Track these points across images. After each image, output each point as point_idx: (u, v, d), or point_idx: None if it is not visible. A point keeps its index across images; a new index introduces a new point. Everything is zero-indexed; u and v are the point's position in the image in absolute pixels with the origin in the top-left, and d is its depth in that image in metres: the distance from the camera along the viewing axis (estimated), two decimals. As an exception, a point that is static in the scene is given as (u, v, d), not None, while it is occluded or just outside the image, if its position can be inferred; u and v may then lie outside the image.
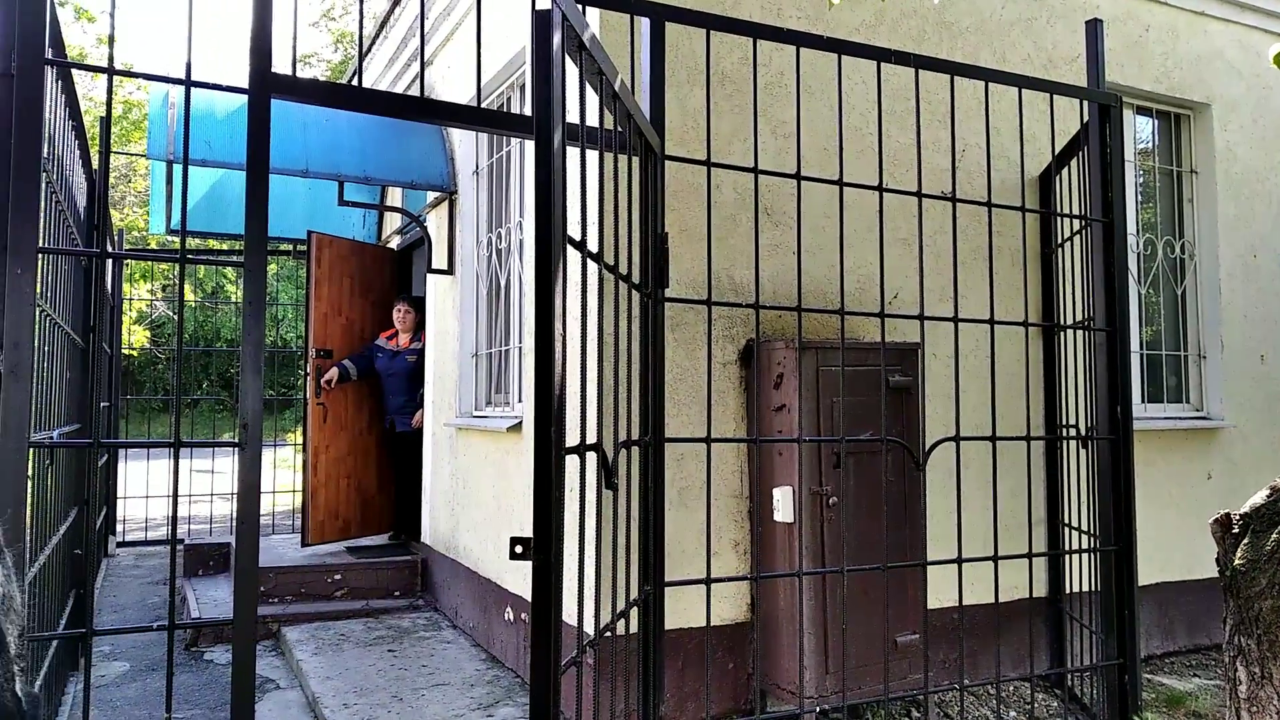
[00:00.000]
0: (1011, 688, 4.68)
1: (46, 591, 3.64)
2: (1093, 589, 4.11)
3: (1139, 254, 5.62)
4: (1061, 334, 4.75)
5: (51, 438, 3.61)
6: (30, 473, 2.27)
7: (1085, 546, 4.36)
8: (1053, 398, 4.87)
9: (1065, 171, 4.63)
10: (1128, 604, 3.85)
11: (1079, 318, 4.42)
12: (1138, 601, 3.90)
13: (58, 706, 4.35)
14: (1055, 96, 3.86)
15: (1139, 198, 5.74)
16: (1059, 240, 4.82)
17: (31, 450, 2.25)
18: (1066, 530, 4.72)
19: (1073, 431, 4.67)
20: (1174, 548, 5.28)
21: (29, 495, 2.33)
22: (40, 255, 2.32)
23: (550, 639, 1.98)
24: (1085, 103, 4.00)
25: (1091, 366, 4.08)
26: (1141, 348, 5.61)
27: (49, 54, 2.33)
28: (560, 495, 2.04)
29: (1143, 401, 5.54)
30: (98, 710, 4.58)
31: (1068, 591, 4.66)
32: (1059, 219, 4.74)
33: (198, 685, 5.06)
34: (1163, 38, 5.59)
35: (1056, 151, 4.52)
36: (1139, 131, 5.82)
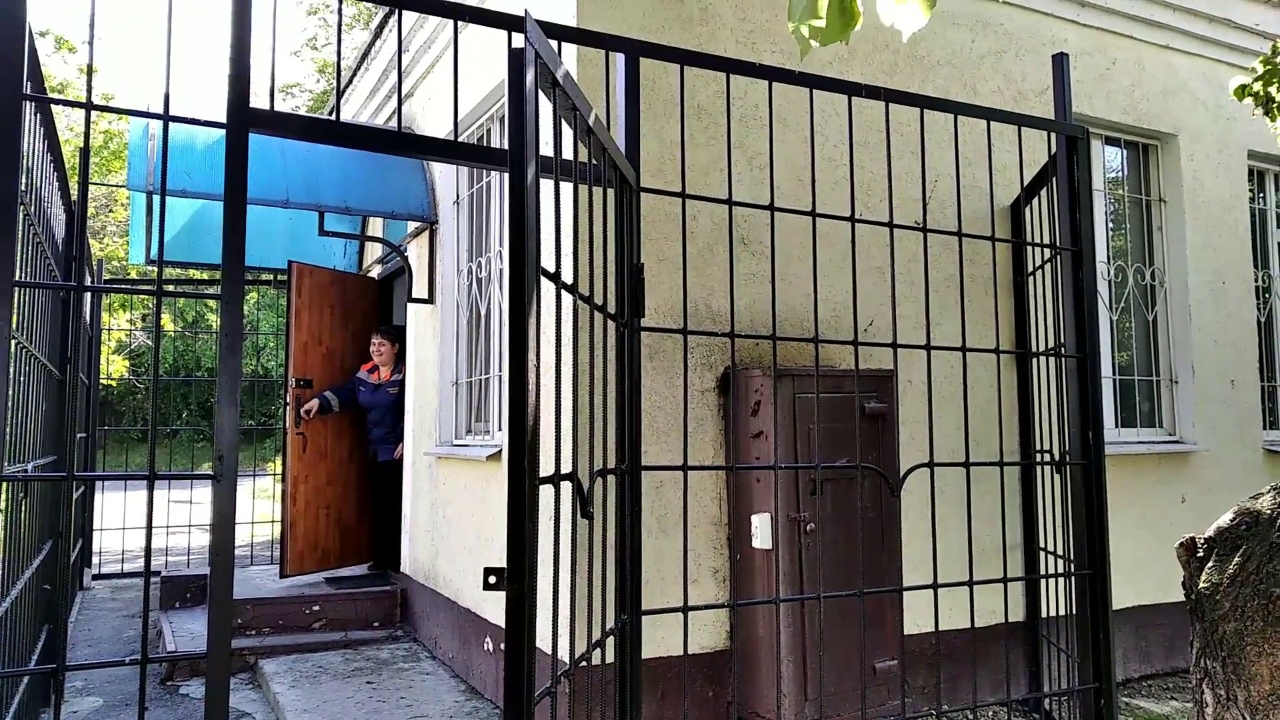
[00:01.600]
0: (990, 712, 4.70)
1: (19, 626, 3.60)
2: (1069, 613, 4.14)
3: (1110, 281, 5.71)
4: (1035, 360, 4.81)
5: (26, 470, 3.59)
6: (3, 506, 2.26)
7: (1060, 571, 4.39)
8: (1027, 423, 4.92)
9: (1035, 201, 4.72)
10: (1103, 628, 3.88)
11: (1051, 344, 4.49)
12: (1113, 625, 3.93)
13: (29, 743, 4.28)
14: (1024, 128, 3.94)
15: (1109, 225, 5.85)
16: (1030, 269, 4.90)
17: (5, 483, 2.25)
18: (1042, 555, 4.76)
19: (1047, 456, 4.72)
20: (1149, 571, 5.33)
21: (1, 529, 2.32)
22: (16, 288, 2.32)
23: (524, 668, 1.99)
24: (1053, 134, 4.08)
25: (1064, 392, 4.14)
26: (1114, 373, 5.68)
27: (27, 88, 2.35)
28: (534, 525, 2.06)
29: (1116, 426, 5.61)
30: (70, 746, 4.52)
31: (1044, 615, 4.69)
32: (1030, 247, 4.82)
33: (173, 720, 5.00)
34: (1129, 70, 5.72)
35: (1026, 182, 4.61)
36: (1108, 161, 5.93)
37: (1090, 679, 3.88)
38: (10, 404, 2.48)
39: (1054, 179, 4.10)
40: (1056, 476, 4.41)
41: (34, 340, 3.80)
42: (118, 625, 7.15)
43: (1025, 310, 4.97)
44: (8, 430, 2.39)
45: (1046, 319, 4.61)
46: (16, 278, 2.32)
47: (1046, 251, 4.52)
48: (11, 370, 2.43)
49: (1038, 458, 4.80)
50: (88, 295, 8.02)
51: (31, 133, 3.56)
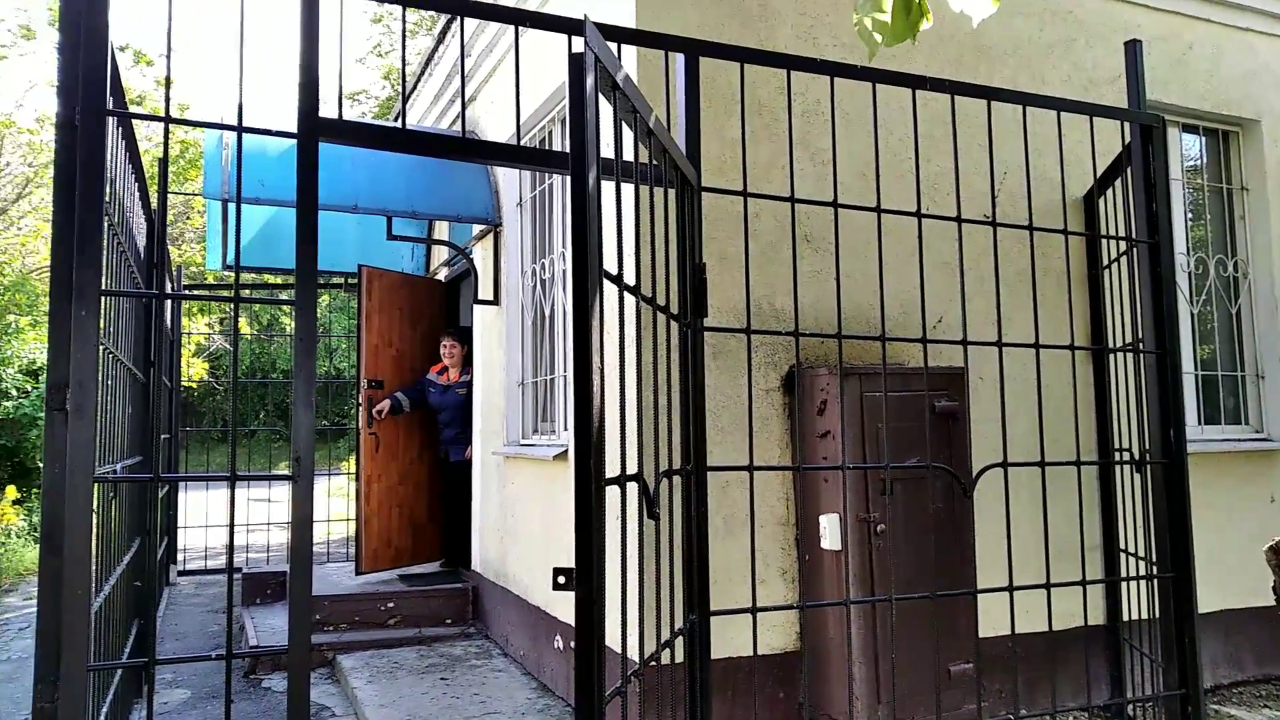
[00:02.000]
0: (1071, 718, 4.58)
1: (111, 621, 3.75)
2: (1151, 616, 4.01)
3: (1190, 273, 5.52)
4: (1112, 356, 4.68)
5: (115, 471, 3.73)
6: (95, 506, 2.36)
7: (1141, 573, 4.26)
8: (1105, 421, 4.79)
9: (1110, 192, 4.58)
10: (1188, 632, 3.75)
11: (1128, 339, 4.36)
12: (1199, 629, 3.80)
13: (120, 734, 4.46)
14: (1096, 118, 3.83)
15: (1188, 216, 5.65)
16: (1105, 262, 4.76)
17: (97, 484, 2.34)
18: (1122, 556, 4.62)
19: (1125, 455, 4.58)
20: (1237, 573, 5.13)
21: (94, 528, 2.42)
22: (102, 296, 2.42)
23: (594, 668, 2.01)
24: (1127, 123, 3.96)
25: (1143, 389, 4.02)
26: (1196, 368, 5.49)
27: (110, 104, 2.44)
28: (601, 526, 2.07)
29: (1199, 423, 5.42)
30: (158, 737, 4.69)
31: (1125, 619, 4.56)
32: (1105, 240, 4.69)
33: (256, 713, 5.16)
34: (1207, 55, 5.52)
35: (1099, 172, 4.48)
36: (1186, 149, 5.73)
37: (1176, 685, 3.76)
38: (99, 407, 2.58)
39: (1129, 169, 3.99)
40: (1136, 476, 4.28)
41: (120, 346, 3.95)
42: (202, 620, 7.40)
43: (1101, 305, 4.83)
44: (97, 433, 2.49)
45: (1123, 313, 4.48)
46: (103, 286, 2.42)
47: (1122, 244, 4.39)
48: (100, 375, 2.53)
49: (1116, 456, 4.67)
50: (169, 301, 8.30)
51: (114, 145, 3.70)
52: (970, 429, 4.17)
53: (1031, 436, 4.39)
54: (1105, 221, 4.74)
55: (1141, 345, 4.00)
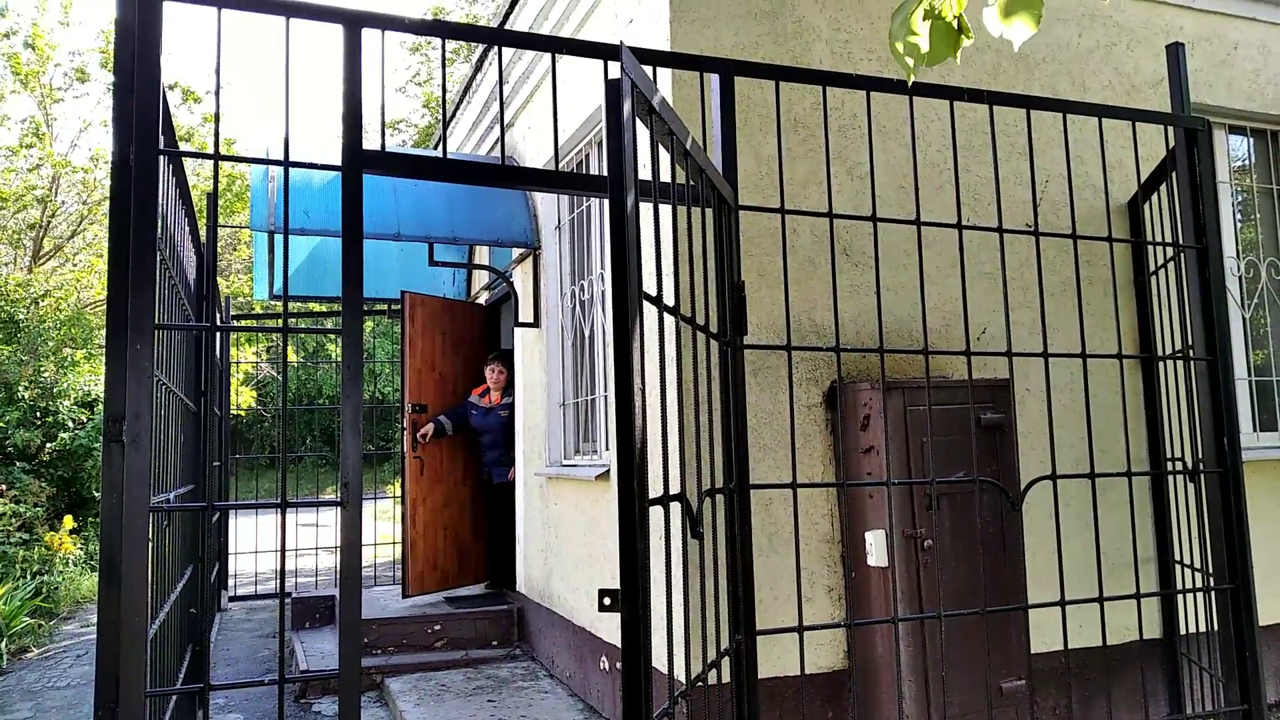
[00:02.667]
0: (1128, 735, 4.47)
1: (166, 648, 3.82)
2: (1209, 630, 3.92)
3: (1240, 277, 5.40)
4: (1161, 364, 4.59)
5: (168, 500, 3.81)
6: (149, 535, 2.42)
7: (1198, 585, 4.16)
8: (1155, 430, 4.70)
9: (1155, 197, 4.51)
10: (1249, 645, 3.66)
11: (1178, 347, 4.28)
12: (1260, 642, 3.70)
13: (177, 758, 4.53)
14: (1139, 123, 3.79)
15: (1238, 218, 5.54)
16: (1152, 268, 4.68)
17: (151, 513, 2.40)
18: (1178, 568, 4.52)
19: (1178, 465, 4.48)
20: (1300, 584, 4.98)
21: (149, 556, 2.48)
22: (156, 330, 2.48)
23: (641, 689, 2.01)
24: (1170, 128, 3.91)
25: (1194, 396, 3.94)
26: (1250, 374, 5.36)
27: (161, 143, 2.52)
28: (646, 547, 2.08)
29: (1255, 430, 5.29)
30: (214, 761, 4.76)
31: (1183, 633, 4.45)
32: (1151, 246, 4.61)
33: (307, 736, 5.21)
34: (1252, 55, 5.42)
35: (1143, 178, 4.42)
36: (1233, 150, 5.63)
37: (1237, 700, 3.66)
38: (154, 438, 2.65)
39: (1173, 174, 3.93)
40: (1190, 486, 4.19)
41: (172, 377, 4.04)
42: (253, 645, 7.50)
43: (1148, 312, 4.75)
44: (152, 462, 2.55)
45: (1172, 320, 4.40)
46: (157, 320, 2.48)
47: (1169, 250, 4.32)
48: (154, 407, 2.59)
49: (1169, 466, 4.57)
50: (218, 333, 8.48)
51: (165, 182, 3.80)
52: (1017, 441, 4.12)
53: (1080, 448, 4.32)
54: (1151, 227, 4.66)
55: (1192, 352, 3.93)
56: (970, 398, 3.35)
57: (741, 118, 4.06)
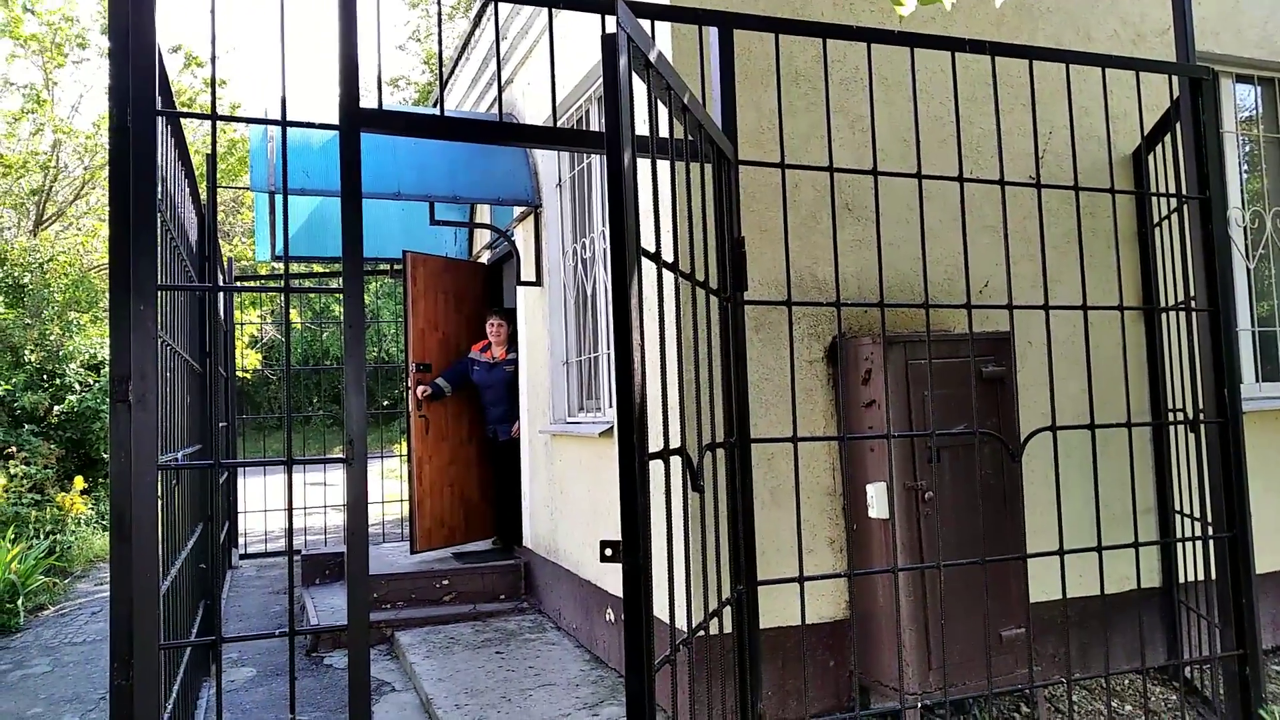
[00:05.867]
0: (1126, 681, 4.55)
1: (179, 603, 3.90)
2: (1208, 578, 3.97)
3: (1245, 228, 5.37)
4: (1163, 316, 4.59)
5: (176, 459, 3.86)
6: (159, 493, 2.46)
7: (1197, 534, 4.20)
8: (1157, 382, 4.71)
9: (1159, 148, 4.48)
10: (1245, 592, 3.71)
11: (1181, 298, 4.27)
12: (1256, 589, 3.75)
13: (192, 709, 4.63)
14: (1143, 73, 3.75)
15: (1244, 168, 5.50)
16: (1155, 220, 4.66)
17: (159, 471, 2.43)
18: (1177, 518, 4.56)
19: (1178, 416, 4.50)
20: (1298, 533, 5.03)
21: (159, 514, 2.52)
22: (159, 291, 2.50)
23: (643, 637, 2.05)
24: (1175, 77, 3.87)
25: (1196, 348, 3.95)
26: (1253, 325, 5.36)
27: (159, 104, 2.52)
28: (646, 499, 2.11)
29: (1257, 380, 5.30)
30: (229, 714, 4.87)
31: (1181, 581, 4.50)
32: (1154, 198, 4.58)
33: (318, 689, 5.32)
34: (1262, 1, 5.34)
35: (1148, 129, 4.38)
36: (1241, 100, 5.56)
37: (1233, 646, 3.72)
38: (160, 398, 2.68)
39: (1177, 124, 3.90)
40: (1191, 436, 4.21)
41: (176, 338, 4.07)
42: (264, 601, 7.62)
43: (1151, 264, 4.74)
44: (159, 422, 2.59)
45: (1175, 272, 4.39)
46: (159, 281, 2.50)
47: (1172, 201, 4.30)
48: (159, 367, 2.62)
49: (1170, 417, 4.59)
50: (221, 293, 8.49)
51: (164, 145, 3.80)
52: (1018, 394, 4.13)
53: (1081, 400, 4.34)
54: (1155, 178, 4.63)
55: (1194, 303, 3.93)
56: (971, 351, 3.36)
57: (741, 71, 4.02)
